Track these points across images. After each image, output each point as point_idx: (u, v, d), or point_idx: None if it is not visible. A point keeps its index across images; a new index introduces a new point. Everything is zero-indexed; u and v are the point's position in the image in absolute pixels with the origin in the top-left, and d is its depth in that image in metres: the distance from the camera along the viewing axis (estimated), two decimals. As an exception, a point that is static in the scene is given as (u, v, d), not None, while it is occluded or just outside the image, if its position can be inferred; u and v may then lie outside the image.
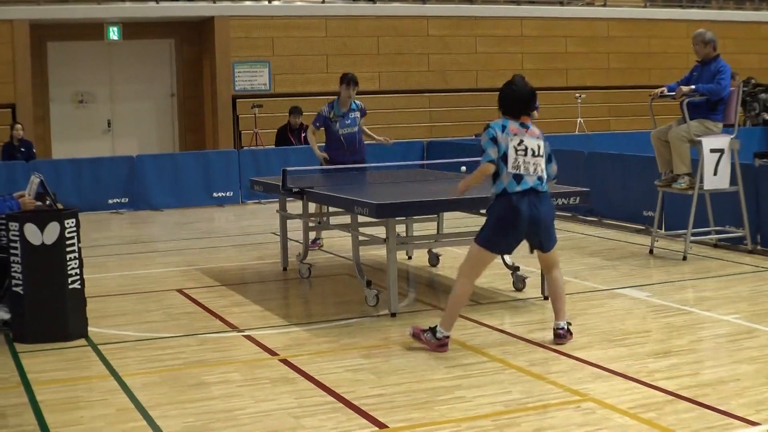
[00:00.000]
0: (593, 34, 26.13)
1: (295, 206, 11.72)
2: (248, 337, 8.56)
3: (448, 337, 7.91)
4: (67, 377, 7.50)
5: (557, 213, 14.09)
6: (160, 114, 24.25)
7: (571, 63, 25.87)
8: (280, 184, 10.53)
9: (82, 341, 8.51)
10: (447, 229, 11.84)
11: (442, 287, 10.66)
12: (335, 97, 12.90)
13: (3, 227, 8.71)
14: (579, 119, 24.25)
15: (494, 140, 7.85)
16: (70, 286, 8.53)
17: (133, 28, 23.03)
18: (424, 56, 24.22)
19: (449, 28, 24.63)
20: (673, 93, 11.62)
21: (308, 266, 11.20)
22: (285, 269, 11.69)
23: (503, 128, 7.88)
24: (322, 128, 12.83)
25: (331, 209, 11.67)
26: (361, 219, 9.59)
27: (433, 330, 7.93)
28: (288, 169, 10.76)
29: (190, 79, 24.10)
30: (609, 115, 26.00)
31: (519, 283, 10.17)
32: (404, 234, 11.66)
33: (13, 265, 8.44)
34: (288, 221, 11.75)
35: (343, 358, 7.82)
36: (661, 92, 11.79)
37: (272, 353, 8.01)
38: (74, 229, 8.56)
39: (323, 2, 23.89)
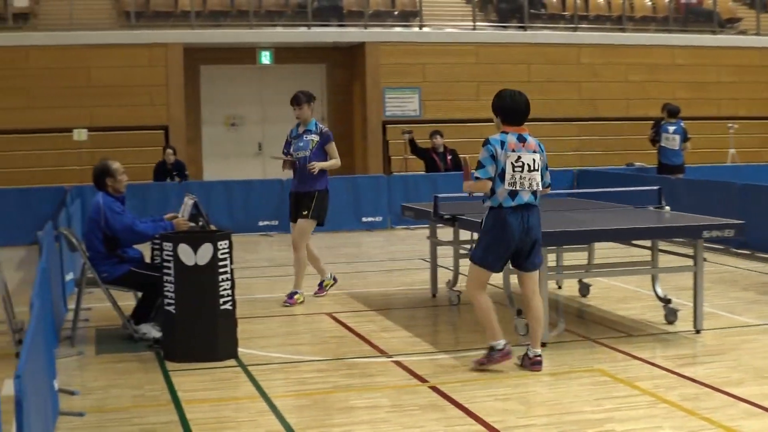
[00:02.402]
0: (745, 63, 25.54)
1: (444, 233, 11.65)
2: (397, 363, 8.52)
3: (507, 342, 8.15)
4: (216, 397, 7.56)
5: (708, 245, 13.90)
6: (310, 138, 24.40)
7: (723, 92, 25.30)
8: (432, 210, 10.49)
9: (232, 362, 8.58)
10: (598, 259, 11.63)
11: (592, 318, 10.48)
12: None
13: (157, 247, 8.83)
14: (731, 150, 23.67)
15: (493, 157, 7.98)
16: (222, 307, 8.60)
17: (284, 53, 23.35)
18: (574, 84, 23.97)
19: (600, 56, 24.36)
20: None
21: (457, 293, 11.12)
22: (434, 296, 11.65)
23: (502, 144, 8.01)
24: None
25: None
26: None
27: (490, 348, 8.15)
28: (439, 195, 10.72)
29: (340, 104, 24.29)
30: (763, 146, 25.33)
31: (671, 315, 9.95)
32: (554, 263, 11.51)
33: (166, 284, 8.56)
34: (438, 248, 11.72)
35: (492, 386, 7.73)
36: None
37: (421, 380, 7.96)
38: (227, 250, 8.64)
39: (474, 29, 23.87)
